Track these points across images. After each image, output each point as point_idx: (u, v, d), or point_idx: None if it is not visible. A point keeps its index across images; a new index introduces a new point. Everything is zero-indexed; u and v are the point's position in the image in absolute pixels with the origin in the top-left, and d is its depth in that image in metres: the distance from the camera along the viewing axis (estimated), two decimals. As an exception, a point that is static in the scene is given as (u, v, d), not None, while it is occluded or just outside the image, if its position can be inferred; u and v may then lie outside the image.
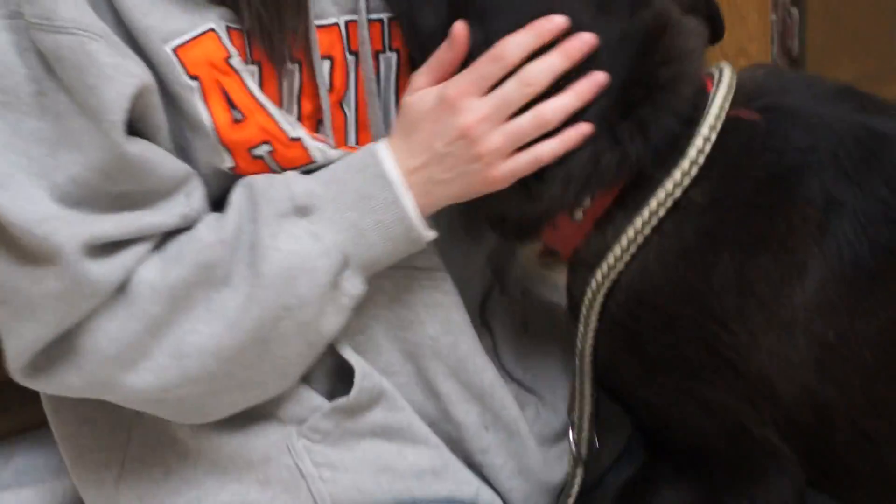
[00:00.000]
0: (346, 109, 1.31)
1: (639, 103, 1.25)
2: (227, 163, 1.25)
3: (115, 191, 1.19)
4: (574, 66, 1.22)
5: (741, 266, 1.24)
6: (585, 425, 1.38)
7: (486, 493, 1.36)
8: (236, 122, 1.23)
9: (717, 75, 1.31)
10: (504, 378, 1.40)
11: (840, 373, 1.22)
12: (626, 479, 1.39)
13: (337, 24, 1.29)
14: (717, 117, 1.27)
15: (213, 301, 1.21)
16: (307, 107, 1.28)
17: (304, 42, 1.26)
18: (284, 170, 1.26)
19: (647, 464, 1.39)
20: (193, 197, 1.24)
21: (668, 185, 1.26)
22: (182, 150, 1.24)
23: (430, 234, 1.26)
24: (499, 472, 1.38)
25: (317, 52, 1.27)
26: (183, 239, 1.23)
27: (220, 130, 1.23)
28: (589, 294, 1.30)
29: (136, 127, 1.19)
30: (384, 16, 1.31)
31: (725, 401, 1.27)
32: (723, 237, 1.25)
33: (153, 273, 1.21)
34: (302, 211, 1.23)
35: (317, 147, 1.27)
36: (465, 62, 1.24)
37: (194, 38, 1.21)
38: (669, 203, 1.26)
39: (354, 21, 1.29)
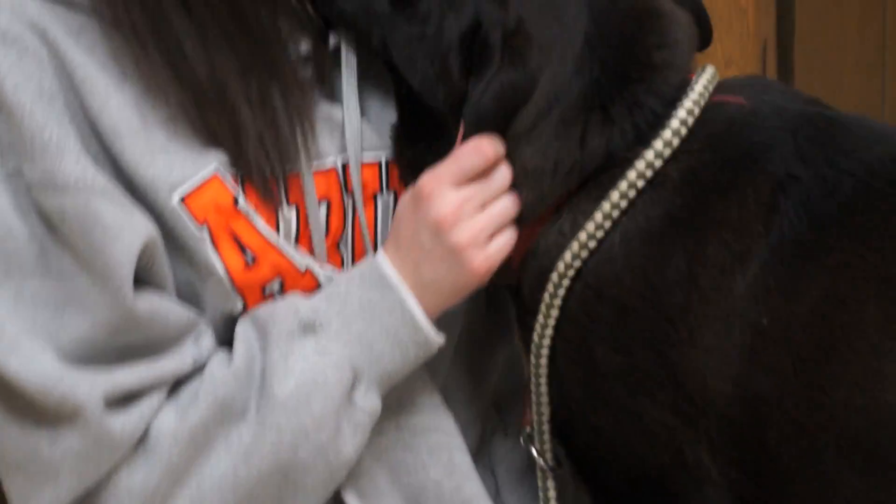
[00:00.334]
0: (343, 250, 1.30)
1: (633, 81, 1.24)
2: (238, 306, 1.24)
3: (123, 344, 1.17)
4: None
5: (692, 256, 1.21)
6: (546, 429, 1.34)
7: None
8: (249, 264, 1.23)
9: (700, 71, 1.29)
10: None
11: (772, 359, 1.19)
12: None
13: (335, 167, 1.28)
14: (698, 100, 1.25)
15: (231, 435, 1.19)
16: (304, 249, 1.27)
17: (300, 187, 1.25)
18: None
19: None
20: (202, 341, 1.22)
21: (640, 164, 1.23)
22: (190, 297, 1.22)
23: (439, 338, 1.25)
24: None
25: (313, 198, 1.26)
26: (195, 381, 1.21)
27: (233, 276, 1.22)
28: (550, 288, 1.27)
29: (140, 276, 1.18)
30: (381, 157, 1.30)
31: (665, 419, 1.24)
32: (683, 222, 1.23)
33: (171, 420, 1.19)
34: (308, 328, 1.21)
35: (326, 275, 1.26)
36: None
37: (200, 184, 1.20)
38: (640, 184, 1.23)
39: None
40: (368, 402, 1.22)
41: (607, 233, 1.24)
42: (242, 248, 1.22)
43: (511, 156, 1.24)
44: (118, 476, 1.18)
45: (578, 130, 1.24)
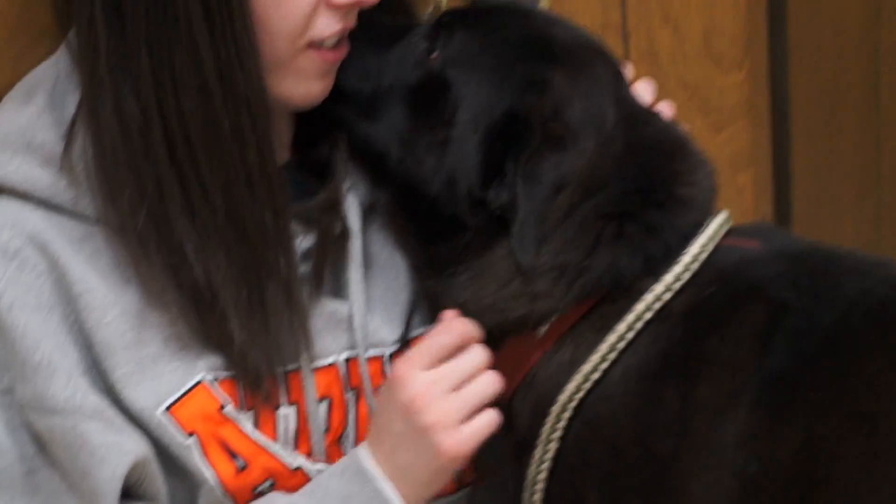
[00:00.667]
0: (346, 445, 1.30)
1: (654, 205, 1.25)
2: None
3: None
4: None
5: (684, 398, 1.20)
6: None
7: None
8: (240, 470, 1.23)
9: (714, 214, 1.30)
10: None
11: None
12: None
13: (335, 363, 1.29)
14: (710, 240, 1.25)
15: None
16: (303, 448, 1.27)
17: (300, 385, 1.26)
18: None
19: None
20: None
21: (649, 297, 1.23)
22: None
23: None
24: None
25: (312, 396, 1.27)
26: None
27: (224, 482, 1.22)
28: (549, 422, 1.24)
29: (132, 493, 1.18)
30: (385, 350, 1.31)
31: None
32: (678, 359, 1.22)
33: None
34: None
35: (317, 470, 1.25)
36: None
37: (185, 393, 1.21)
38: (648, 316, 1.23)
39: (354, 357, 1.29)
40: None
41: (610, 367, 1.22)
42: (232, 455, 1.22)
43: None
44: None
45: (592, 237, 1.23)
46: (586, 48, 1.32)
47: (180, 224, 1.19)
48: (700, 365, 1.20)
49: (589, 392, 1.23)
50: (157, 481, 1.19)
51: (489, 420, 1.22)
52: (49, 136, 1.19)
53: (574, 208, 1.24)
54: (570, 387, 1.23)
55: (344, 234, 1.30)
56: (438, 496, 1.28)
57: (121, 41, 1.16)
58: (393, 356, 1.31)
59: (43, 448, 1.16)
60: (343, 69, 1.28)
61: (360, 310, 1.29)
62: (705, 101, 1.98)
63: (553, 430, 1.24)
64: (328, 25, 1.23)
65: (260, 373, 1.23)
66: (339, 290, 1.30)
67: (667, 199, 1.26)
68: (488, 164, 1.25)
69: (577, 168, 1.24)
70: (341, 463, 1.23)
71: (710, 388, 1.19)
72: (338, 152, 1.32)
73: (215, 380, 1.22)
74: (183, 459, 1.20)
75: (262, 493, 1.24)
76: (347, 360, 1.29)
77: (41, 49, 1.26)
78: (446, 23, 1.32)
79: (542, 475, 1.25)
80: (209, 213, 1.19)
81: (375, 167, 1.32)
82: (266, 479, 1.24)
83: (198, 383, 1.21)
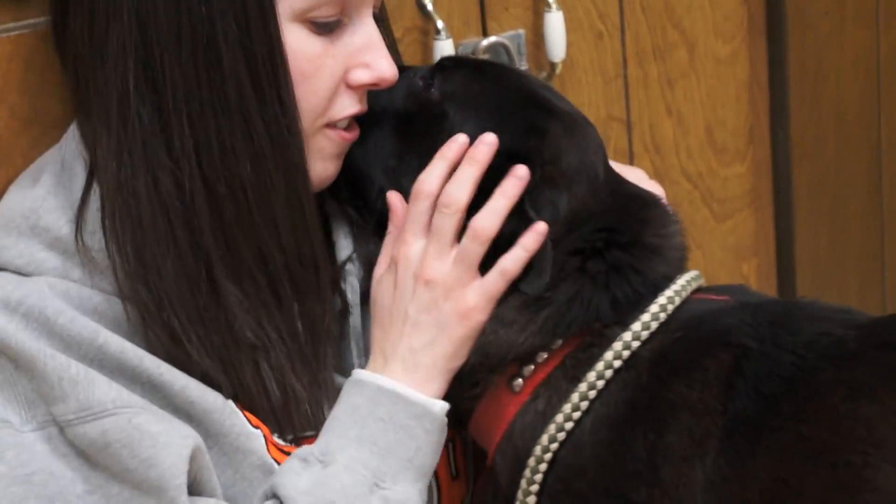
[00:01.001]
0: None
1: (616, 247, 1.27)
2: None
3: None
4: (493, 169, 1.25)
5: (653, 446, 1.20)
6: None
7: None
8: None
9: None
10: None
11: None
12: None
13: None
14: (679, 291, 1.28)
15: None
16: None
17: None
18: None
19: None
20: None
21: (618, 345, 1.24)
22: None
23: (438, 405, 1.24)
24: None
25: None
26: None
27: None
28: (527, 474, 1.25)
29: (191, 488, 1.18)
30: None
31: None
32: (645, 407, 1.23)
33: None
34: (308, 461, 1.21)
35: None
36: None
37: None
38: (617, 364, 1.24)
39: None
40: (399, 493, 1.20)
41: (582, 416, 1.23)
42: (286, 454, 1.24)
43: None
44: None
45: (557, 270, 1.25)
46: (577, 113, 1.36)
47: (227, 286, 1.20)
48: (667, 411, 1.21)
49: (563, 443, 1.24)
50: (212, 474, 1.19)
51: (503, 268, 1.25)
52: (53, 218, 1.21)
53: (561, 240, 1.26)
54: (545, 438, 1.24)
55: (345, 310, 1.31)
56: None
57: (157, 115, 1.17)
58: None
59: (97, 466, 1.14)
60: None
61: None
62: (709, 191, 2.00)
63: (531, 482, 1.25)
64: (346, 107, 1.26)
65: (286, 435, 1.25)
66: (338, 365, 1.31)
67: (634, 244, 1.28)
68: (477, 199, 1.27)
69: (568, 209, 1.27)
70: (343, 391, 1.25)
71: (677, 434, 1.20)
72: (338, 223, 1.34)
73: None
74: (247, 450, 1.21)
75: None
76: None
77: (52, 140, 1.28)
78: (446, 65, 1.36)
79: None
80: (260, 274, 1.22)
81: (360, 194, 1.34)
82: None
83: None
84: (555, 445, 1.24)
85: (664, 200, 1.36)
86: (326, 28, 1.23)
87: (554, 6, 1.72)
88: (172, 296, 1.19)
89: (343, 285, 1.32)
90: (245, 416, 1.22)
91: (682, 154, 1.96)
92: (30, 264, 1.20)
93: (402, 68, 1.32)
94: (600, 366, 1.24)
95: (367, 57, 1.25)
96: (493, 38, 1.69)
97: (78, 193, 1.21)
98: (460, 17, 1.67)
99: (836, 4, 2.11)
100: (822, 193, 2.17)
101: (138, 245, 1.18)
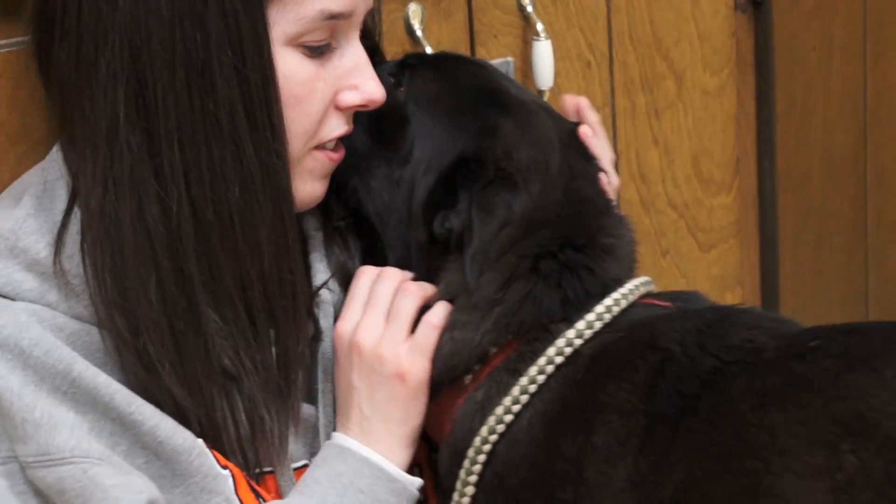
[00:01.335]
0: None
1: (569, 248, 1.29)
2: None
3: None
4: None
5: (581, 445, 1.22)
6: None
7: None
8: None
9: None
10: None
11: None
12: None
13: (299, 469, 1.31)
14: (627, 294, 1.29)
15: None
16: None
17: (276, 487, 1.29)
18: None
19: None
20: None
21: (560, 342, 1.25)
22: None
23: (416, 483, 1.25)
24: None
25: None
26: None
27: None
28: (465, 465, 1.26)
29: None
30: None
31: None
32: (576, 405, 1.24)
33: None
34: None
35: None
36: None
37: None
38: (559, 360, 1.25)
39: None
40: None
41: (521, 410, 1.24)
42: (257, 495, 1.24)
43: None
44: None
45: (509, 271, 1.27)
46: (534, 103, 1.38)
47: (207, 313, 1.21)
48: (596, 411, 1.23)
49: (502, 437, 1.25)
50: None
51: (429, 321, 1.28)
52: (33, 240, 1.21)
53: (511, 247, 1.28)
54: (484, 430, 1.25)
55: (317, 336, 1.33)
56: None
57: (146, 142, 1.17)
58: None
59: None
60: None
61: (327, 416, 1.31)
62: (694, 221, 2.01)
63: (469, 473, 1.26)
64: (334, 128, 1.28)
65: (251, 468, 1.25)
66: (305, 392, 1.32)
67: (587, 244, 1.30)
68: (435, 199, 1.30)
69: (523, 209, 1.29)
70: (322, 451, 1.26)
71: (603, 434, 1.21)
72: (315, 247, 1.36)
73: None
74: (213, 490, 1.21)
75: None
76: (303, 467, 1.30)
77: (39, 156, 1.29)
78: (410, 63, 1.39)
79: None
80: (238, 301, 1.22)
81: (333, 191, 1.35)
82: None
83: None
84: (494, 437, 1.25)
85: (615, 206, 1.39)
86: (318, 52, 1.24)
87: (543, 35, 1.73)
88: (150, 322, 1.19)
89: (316, 311, 1.33)
90: (214, 455, 1.22)
91: (669, 184, 1.98)
92: (8, 285, 1.21)
93: (375, 63, 1.33)
94: (542, 361, 1.25)
95: (356, 79, 1.27)
96: (481, 65, 1.71)
97: (59, 216, 1.21)
98: (450, 44, 1.69)
99: (824, 39, 2.13)
100: (807, 226, 2.18)
101: (117, 271, 1.18)
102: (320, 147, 1.28)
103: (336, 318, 1.33)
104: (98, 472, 1.14)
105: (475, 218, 1.26)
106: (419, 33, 1.63)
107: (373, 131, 1.34)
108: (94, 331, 1.21)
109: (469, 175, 1.29)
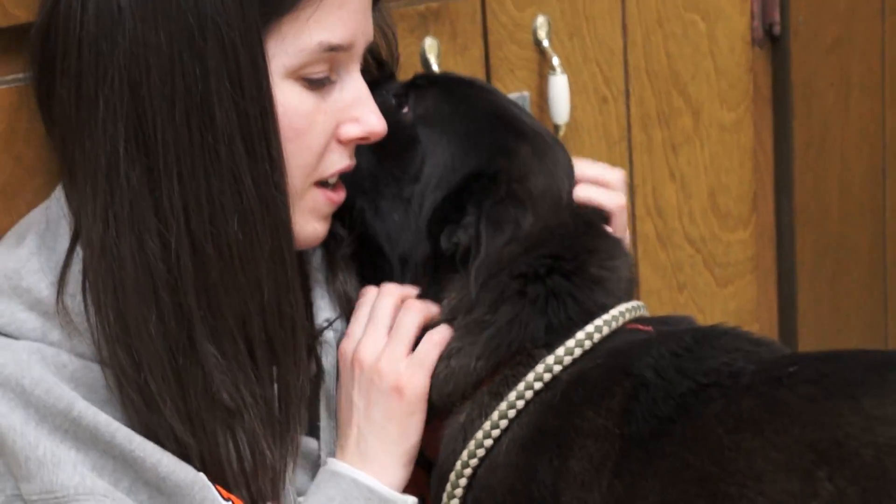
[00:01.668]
0: None
1: (557, 274, 1.30)
2: None
3: None
4: None
5: (557, 471, 1.22)
6: None
7: None
8: None
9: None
10: None
11: None
12: None
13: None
14: (610, 320, 1.30)
15: None
16: None
17: None
18: None
19: None
20: None
21: (539, 367, 1.26)
22: None
23: (409, 501, 1.25)
24: None
25: None
26: None
27: None
28: (448, 488, 1.26)
29: None
30: None
31: None
32: (553, 431, 1.24)
33: None
34: None
35: None
36: None
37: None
38: (538, 386, 1.25)
39: None
40: None
41: (501, 435, 1.25)
42: None
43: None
44: None
45: (499, 293, 1.28)
46: (548, 134, 1.39)
47: (207, 347, 1.20)
48: (573, 436, 1.23)
49: (482, 461, 1.26)
50: None
51: (431, 339, 1.29)
52: (35, 280, 1.21)
53: (508, 265, 1.29)
54: (465, 454, 1.26)
55: (319, 375, 1.33)
56: None
57: (146, 177, 1.17)
58: None
59: None
60: None
61: (328, 454, 1.32)
62: (711, 255, 2.01)
63: (451, 497, 1.27)
64: (335, 162, 1.28)
65: (263, 500, 1.26)
66: (307, 427, 1.33)
67: (576, 272, 1.31)
68: (442, 214, 1.31)
69: (530, 229, 1.30)
70: (315, 478, 1.27)
71: (579, 459, 1.21)
72: (317, 285, 1.36)
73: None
74: None
75: None
76: None
77: (53, 190, 1.29)
78: (419, 84, 1.38)
79: None
80: (238, 335, 1.22)
81: (338, 213, 1.35)
82: None
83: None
84: (474, 461, 1.25)
85: (620, 242, 1.39)
86: (318, 84, 1.24)
87: (559, 69, 1.74)
88: (151, 358, 1.19)
89: (319, 350, 1.33)
90: (217, 489, 1.22)
91: (685, 218, 1.98)
92: (10, 324, 1.21)
93: (374, 83, 1.33)
94: (521, 386, 1.26)
95: (357, 111, 1.28)
96: (497, 100, 1.71)
97: (61, 255, 1.22)
98: (466, 78, 1.69)
99: (842, 75, 2.13)
100: (824, 261, 2.17)
101: (119, 308, 1.19)
102: (321, 185, 1.29)
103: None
104: None
105: (483, 231, 1.27)
106: (435, 67, 1.64)
107: (378, 151, 1.34)
108: (97, 368, 1.21)
109: (480, 191, 1.30)
